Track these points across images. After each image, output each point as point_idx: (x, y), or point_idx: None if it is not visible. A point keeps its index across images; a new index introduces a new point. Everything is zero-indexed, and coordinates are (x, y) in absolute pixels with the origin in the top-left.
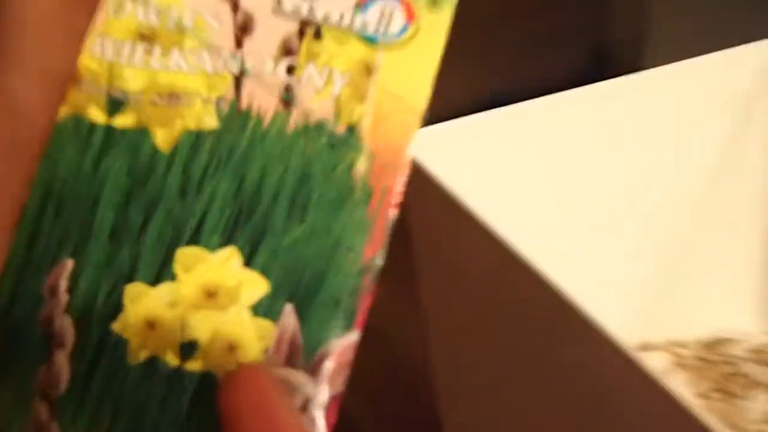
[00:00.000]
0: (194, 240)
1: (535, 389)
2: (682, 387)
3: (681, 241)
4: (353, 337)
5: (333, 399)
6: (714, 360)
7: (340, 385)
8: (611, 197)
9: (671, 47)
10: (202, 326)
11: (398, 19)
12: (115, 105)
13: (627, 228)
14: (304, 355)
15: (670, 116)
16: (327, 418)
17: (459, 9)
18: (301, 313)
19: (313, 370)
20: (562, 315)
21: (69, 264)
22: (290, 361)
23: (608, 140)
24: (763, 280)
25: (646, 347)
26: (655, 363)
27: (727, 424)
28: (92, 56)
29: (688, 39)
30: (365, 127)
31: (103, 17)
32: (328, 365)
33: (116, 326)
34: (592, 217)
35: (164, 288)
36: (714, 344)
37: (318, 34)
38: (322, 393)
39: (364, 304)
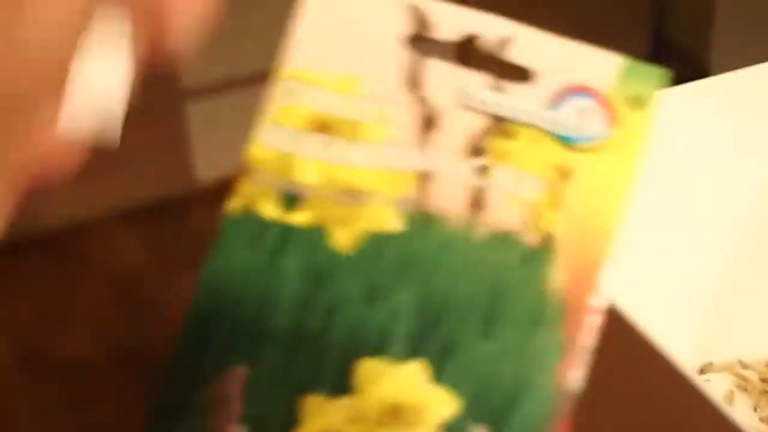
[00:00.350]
0: (377, 351)
1: (588, 412)
2: (745, 411)
3: (747, 255)
4: None
5: None
6: None
7: None
8: (673, 209)
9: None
10: None
11: (598, 119)
12: (289, 200)
13: (690, 241)
14: None
15: (735, 127)
16: None
17: None
18: None
19: None
20: (619, 333)
21: (242, 371)
22: None
23: (669, 150)
24: None
25: (708, 368)
26: (717, 385)
27: None
28: (263, 146)
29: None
30: (560, 238)
31: (273, 104)
32: None
33: None
34: (653, 229)
35: (344, 402)
36: None
37: (509, 132)
38: None
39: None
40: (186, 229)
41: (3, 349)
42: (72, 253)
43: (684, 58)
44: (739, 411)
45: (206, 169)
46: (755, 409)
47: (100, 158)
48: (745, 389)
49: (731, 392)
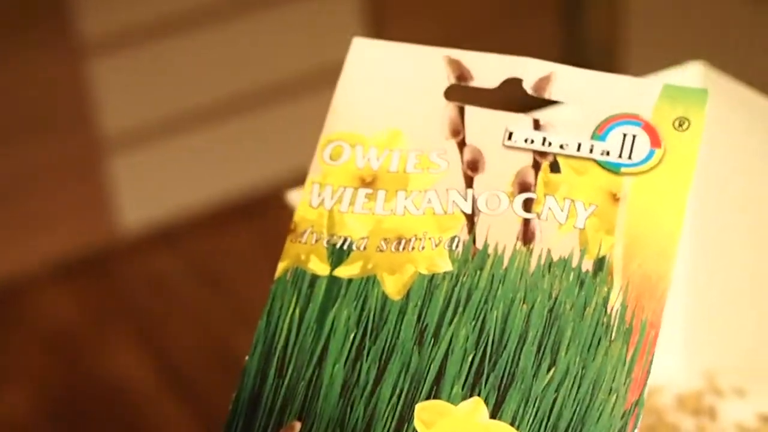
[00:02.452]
0: (434, 393)
1: None
2: None
3: None
4: None
5: None
6: None
7: None
8: None
9: None
10: None
11: (642, 144)
12: (337, 254)
13: None
14: None
15: None
16: None
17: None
18: None
19: None
20: None
21: (296, 426)
22: None
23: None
24: (689, 322)
25: None
26: None
27: None
28: (309, 206)
29: None
30: (616, 259)
31: (318, 165)
32: None
33: None
34: None
35: None
36: None
37: (555, 166)
38: None
39: None
40: (114, 282)
41: None
42: (3, 314)
43: None
44: None
45: (131, 221)
46: None
47: (25, 218)
48: None
49: None
